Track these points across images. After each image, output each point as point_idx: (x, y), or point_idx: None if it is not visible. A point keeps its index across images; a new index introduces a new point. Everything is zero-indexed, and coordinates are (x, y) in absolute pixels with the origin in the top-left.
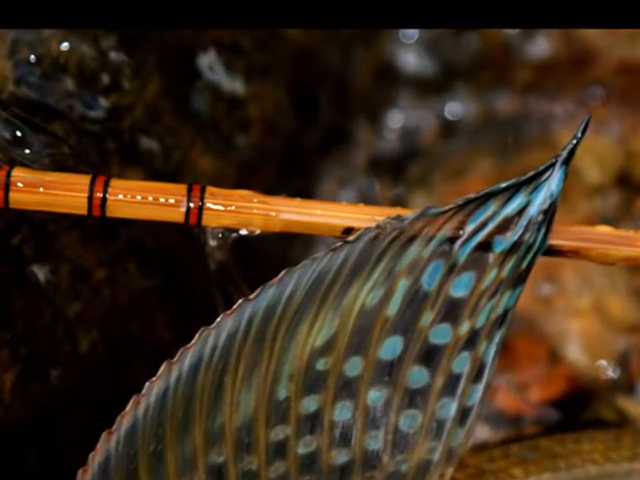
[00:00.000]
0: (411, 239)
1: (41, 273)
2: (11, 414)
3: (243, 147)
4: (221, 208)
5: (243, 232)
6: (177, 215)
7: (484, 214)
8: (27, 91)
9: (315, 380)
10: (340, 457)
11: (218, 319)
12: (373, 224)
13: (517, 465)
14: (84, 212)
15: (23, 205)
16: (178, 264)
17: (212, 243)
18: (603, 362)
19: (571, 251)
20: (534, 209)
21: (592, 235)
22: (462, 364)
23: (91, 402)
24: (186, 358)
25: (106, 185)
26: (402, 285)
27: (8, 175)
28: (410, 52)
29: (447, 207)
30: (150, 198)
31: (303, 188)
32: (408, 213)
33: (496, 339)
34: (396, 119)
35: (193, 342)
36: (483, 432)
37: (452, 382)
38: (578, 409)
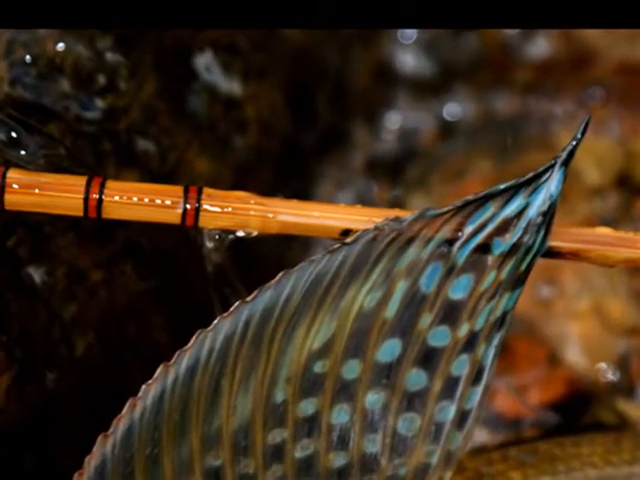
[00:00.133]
0: (409, 241)
1: (37, 275)
2: (7, 417)
3: (240, 148)
4: (218, 210)
5: (240, 234)
6: (174, 217)
7: (483, 216)
8: (22, 92)
9: (313, 383)
10: (338, 460)
11: (215, 321)
12: (371, 226)
13: (516, 468)
14: (80, 214)
15: (18, 207)
16: (175, 266)
17: (209, 245)
18: (603, 365)
19: (570, 253)
20: (533, 211)
21: (592, 237)
22: (461, 367)
23: (87, 405)
24: (183, 361)
25: (102, 186)
26: (400, 287)
27: (3, 176)
28: (408, 52)
29: (446, 209)
30: (146, 199)
31: (300, 189)
32: (406, 215)
33: (495, 341)
34: (394, 120)
35: (190, 345)
36: (482, 435)
37: (451, 385)
38: (577, 412)
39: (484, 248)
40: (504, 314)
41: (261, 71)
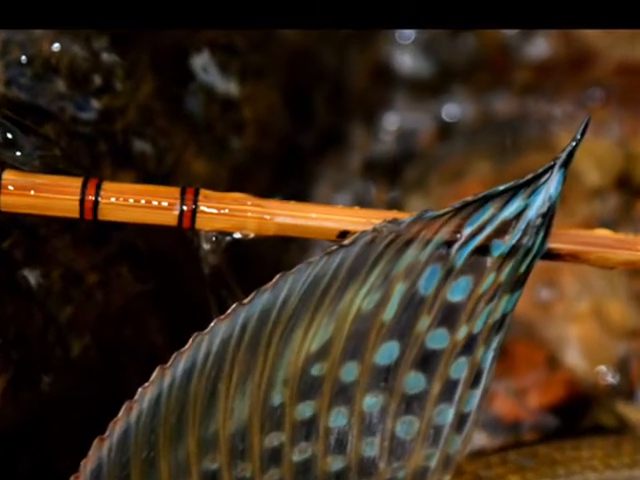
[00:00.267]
0: (408, 243)
1: (32, 277)
2: (2, 420)
3: (237, 149)
4: (215, 211)
5: (237, 235)
6: (170, 218)
7: (482, 217)
8: (18, 92)
9: (310, 386)
10: (335, 464)
11: (212, 324)
12: (369, 227)
13: (515, 472)
14: (76, 215)
15: (14, 208)
16: (171, 268)
17: (206, 247)
18: (603, 367)
19: (570, 255)
20: (532, 212)
21: (591, 239)
22: (459, 369)
23: (83, 408)
24: (179, 363)
25: (98, 188)
26: (398, 289)
27: None
28: (406, 53)
29: (444, 210)
30: (143, 201)
31: (298, 191)
32: (405, 216)
33: (494, 344)
34: (392, 121)
35: (186, 347)
36: (481, 438)
37: (449, 388)
38: (577, 415)
39: (483, 250)
40: (503, 316)
41: (258, 72)
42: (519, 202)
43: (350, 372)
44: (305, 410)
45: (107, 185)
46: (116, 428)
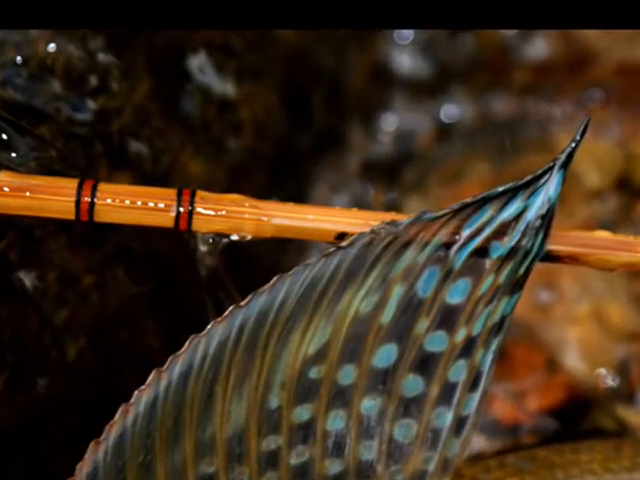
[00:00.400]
0: (406, 244)
1: (28, 279)
2: None
3: (234, 150)
4: (212, 213)
5: (234, 237)
6: (167, 220)
7: (480, 219)
8: (13, 93)
9: (308, 389)
10: (333, 467)
11: (209, 326)
12: (367, 229)
13: (514, 476)
14: (71, 217)
15: (9, 210)
16: (168, 270)
17: (202, 248)
18: (602, 370)
19: (569, 257)
20: (532, 214)
21: (591, 240)
22: (458, 372)
23: (79, 411)
24: (176, 366)
25: (94, 189)
26: (397, 292)
27: None
28: (405, 53)
29: (443, 212)
30: (139, 203)
31: (295, 192)
32: (403, 218)
33: (493, 347)
34: (390, 122)
35: (183, 350)
36: (479, 442)
37: (448, 391)
38: (577, 418)
39: (482, 252)
40: (502, 319)
41: (256, 72)
42: (518, 203)
43: (348, 375)
44: (302, 413)
45: (103, 186)
46: (112, 431)
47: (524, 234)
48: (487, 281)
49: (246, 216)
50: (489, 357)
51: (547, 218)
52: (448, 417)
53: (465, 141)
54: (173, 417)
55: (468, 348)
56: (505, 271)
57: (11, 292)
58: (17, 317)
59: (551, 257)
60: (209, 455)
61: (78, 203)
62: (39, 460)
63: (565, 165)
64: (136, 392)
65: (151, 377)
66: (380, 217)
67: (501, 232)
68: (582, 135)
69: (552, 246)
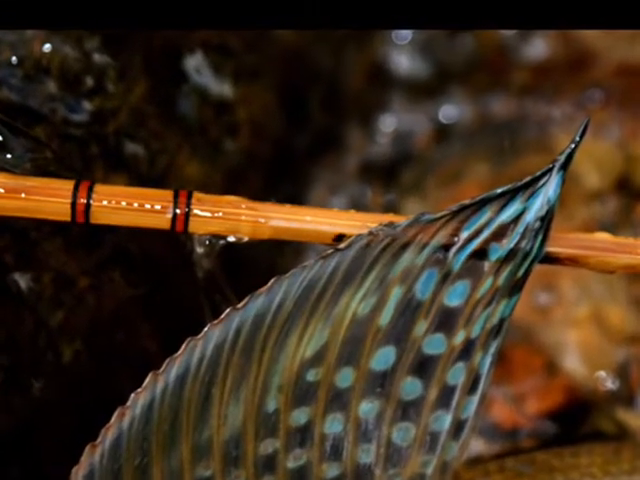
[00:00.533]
0: (404, 246)
1: (23, 281)
2: None
3: (231, 152)
4: (208, 214)
5: (231, 239)
6: (163, 222)
7: (479, 221)
8: (8, 94)
9: (305, 391)
10: (331, 471)
11: (205, 329)
12: (365, 231)
13: (513, 479)
14: (67, 218)
15: (4, 211)
16: (164, 272)
17: (199, 250)
18: (602, 373)
19: (569, 259)
20: (531, 215)
21: (591, 242)
22: (457, 375)
23: (75, 414)
24: (172, 369)
25: (90, 191)
26: (395, 294)
27: None
28: (403, 54)
29: (441, 213)
30: (135, 204)
31: (293, 194)
32: (401, 220)
33: (492, 349)
34: (389, 123)
35: (180, 353)
36: (478, 445)
37: (446, 394)
38: (576, 421)
39: (480, 254)
40: (501, 321)
41: (253, 73)
42: (517, 205)
43: (346, 378)
44: (300, 416)
45: (99, 188)
46: (108, 434)
47: (523, 236)
48: (486, 283)
49: (243, 218)
50: (488, 360)
51: (546, 220)
52: (447, 420)
53: (464, 142)
54: (170, 420)
55: (467, 351)
56: (504, 273)
57: (6, 294)
58: (12, 319)
59: (550, 259)
60: (206, 458)
61: (74, 205)
62: (35, 463)
63: (564, 166)
64: (132, 395)
65: (147, 380)
66: (378, 219)
67: (500, 234)
68: (582, 136)
69: (551, 248)
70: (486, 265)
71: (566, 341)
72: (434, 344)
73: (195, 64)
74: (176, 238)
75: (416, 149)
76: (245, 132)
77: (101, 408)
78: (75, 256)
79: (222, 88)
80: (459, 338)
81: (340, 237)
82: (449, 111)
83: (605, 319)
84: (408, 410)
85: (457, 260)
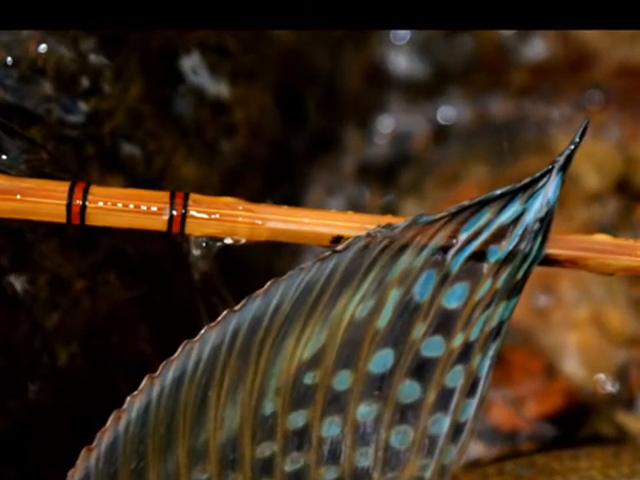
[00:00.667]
0: (402, 248)
1: (18, 283)
2: None
3: (228, 153)
4: (205, 216)
5: (228, 241)
6: (159, 223)
7: (478, 222)
8: (3, 94)
9: (303, 394)
10: (329, 474)
11: (202, 331)
12: (363, 233)
13: None
14: (63, 220)
15: None
16: (160, 274)
17: (196, 252)
18: (602, 376)
19: (568, 261)
20: (530, 217)
21: (590, 244)
22: (455, 378)
23: (70, 417)
24: (169, 372)
25: (85, 192)
26: (393, 296)
27: None
28: (401, 54)
29: (440, 215)
30: (131, 206)
31: (290, 195)
32: (399, 221)
33: (490, 352)
34: (387, 124)
35: (176, 355)
36: (477, 449)
37: (445, 397)
38: (576, 425)
39: (479, 256)
40: (500, 324)
41: (250, 73)
42: (516, 207)
43: (343, 381)
44: (297, 419)
45: (95, 189)
46: (104, 438)
47: (522, 238)
48: (485, 285)
49: (240, 219)
50: (487, 362)
51: (546, 221)
52: (445, 423)
53: (462, 143)
54: (166, 423)
55: (465, 353)
56: (503, 275)
57: (1, 296)
58: (7, 322)
59: (550, 261)
60: (202, 462)
61: (69, 206)
62: (30, 467)
63: (564, 168)
64: (128, 398)
65: (144, 383)
66: (376, 220)
67: (499, 236)
68: (581, 137)
69: (551, 250)
70: (485, 267)
71: (565, 344)
72: (432, 347)
73: (192, 64)
74: (172, 240)
75: (414, 150)
76: (242, 133)
77: (97, 411)
78: (71, 258)
79: (219, 89)
80: (458, 341)
81: (338, 239)
82: (448, 112)
83: (605, 321)
84: (406, 413)
85: (456, 262)
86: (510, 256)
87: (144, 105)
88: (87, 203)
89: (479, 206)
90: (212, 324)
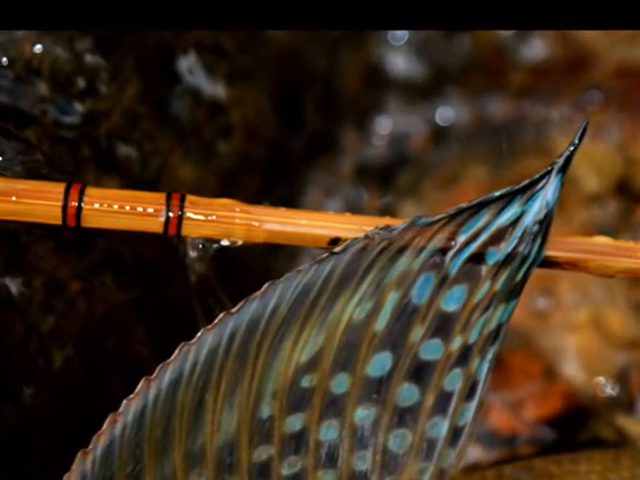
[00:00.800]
0: (400, 250)
1: (14, 285)
2: None
3: (225, 154)
4: (202, 218)
5: (225, 243)
6: (156, 225)
7: (477, 224)
8: None
9: (300, 398)
10: (326, 478)
11: (199, 334)
12: (361, 234)
13: None
14: (58, 222)
15: None
16: (157, 276)
17: (192, 254)
18: (601, 379)
19: (568, 263)
20: (529, 219)
21: (590, 246)
22: (454, 381)
23: (66, 420)
24: (165, 375)
25: (81, 194)
26: (391, 298)
27: None
28: (399, 54)
29: (438, 217)
30: (127, 207)
31: (287, 197)
32: (397, 223)
33: (489, 355)
34: (385, 125)
35: (172, 358)
36: (475, 452)
37: (443, 400)
38: (575, 428)
39: (478, 258)
40: (499, 326)
41: (247, 74)
42: (515, 208)
43: (341, 384)
44: (295, 423)
45: (90, 191)
46: (100, 441)
47: (521, 240)
48: (483, 288)
49: (237, 221)
50: (485, 366)
51: (545, 223)
52: (444, 427)
53: (461, 144)
54: (162, 427)
55: (464, 356)
56: (502, 278)
57: None
58: (2, 324)
59: (549, 263)
60: (199, 466)
61: (65, 208)
62: (25, 471)
63: (563, 169)
64: (124, 401)
65: (140, 386)
66: (374, 222)
67: (498, 238)
68: (581, 138)
69: (550, 252)
70: (484, 269)
71: (565, 346)
72: (431, 350)
73: (188, 65)
74: (169, 242)
75: (412, 151)
76: (239, 134)
77: (93, 414)
78: (66, 260)
79: (215, 89)
80: (456, 343)
81: (335, 241)
82: (446, 113)
83: (605, 324)
84: (404, 417)
85: (454, 264)
86: (509, 258)
87: (140, 106)
88: (83, 205)
89: (478, 208)
90: (209, 326)
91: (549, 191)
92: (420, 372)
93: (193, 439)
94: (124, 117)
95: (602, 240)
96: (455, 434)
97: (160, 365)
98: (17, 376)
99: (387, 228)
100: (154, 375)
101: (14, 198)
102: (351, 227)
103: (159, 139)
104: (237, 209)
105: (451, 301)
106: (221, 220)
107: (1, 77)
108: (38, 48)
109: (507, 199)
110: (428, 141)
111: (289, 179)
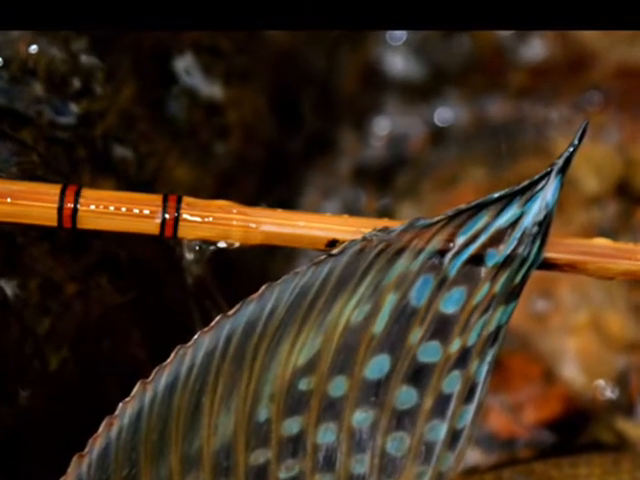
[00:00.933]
0: (399, 252)
1: (9, 287)
2: None
3: (222, 155)
4: (198, 219)
5: (221, 244)
6: (152, 227)
7: (476, 226)
8: None
9: (297, 401)
10: None
11: (195, 336)
12: (359, 236)
13: None
14: (54, 223)
15: None
16: (153, 278)
17: (189, 256)
18: (601, 382)
19: (567, 265)
20: (528, 220)
21: (589, 248)
22: (452, 384)
23: (61, 423)
24: (161, 377)
25: (77, 195)
26: (389, 300)
27: None
28: (398, 55)
29: (437, 218)
30: (123, 209)
31: (285, 198)
32: (396, 224)
33: (488, 357)
34: (383, 126)
35: (169, 361)
36: (474, 456)
37: (442, 403)
38: (575, 431)
39: (477, 259)
40: (498, 329)
41: (244, 74)
42: (514, 210)
43: (339, 386)
44: (292, 426)
45: (86, 192)
46: (96, 444)
47: (520, 241)
48: (482, 290)
49: (234, 223)
50: (484, 368)
51: (544, 225)
52: (442, 430)
53: (460, 145)
54: (158, 430)
55: (463, 359)
56: (501, 279)
57: None
58: None
59: (548, 265)
60: (195, 469)
61: (61, 209)
62: (21, 473)
63: (563, 170)
64: (120, 404)
65: (136, 389)
66: (372, 224)
67: (497, 239)
68: (580, 139)
69: (549, 254)
70: (483, 271)
71: (564, 349)
72: (429, 352)
73: (185, 65)
74: (165, 243)
75: (411, 152)
76: (236, 135)
77: (89, 417)
78: (62, 262)
79: (212, 90)
80: (455, 346)
81: (333, 242)
82: (445, 113)
83: (604, 326)
84: (403, 419)
85: (453, 266)
86: (508, 260)
87: (136, 107)
88: (79, 206)
89: (477, 209)
90: (206, 329)
91: (548, 192)
92: (418, 374)
93: (190, 442)
94: (120, 118)
95: (602, 242)
96: (454, 437)
97: (156, 368)
98: (13, 378)
99: (385, 230)
100: (150, 378)
101: (9, 199)
102: (349, 229)
103: (155, 140)
104: (234, 211)
105: (450, 303)
106: (218, 222)
107: None
108: (33, 48)
109: (506, 200)
110: (427, 142)
111: (287, 180)
